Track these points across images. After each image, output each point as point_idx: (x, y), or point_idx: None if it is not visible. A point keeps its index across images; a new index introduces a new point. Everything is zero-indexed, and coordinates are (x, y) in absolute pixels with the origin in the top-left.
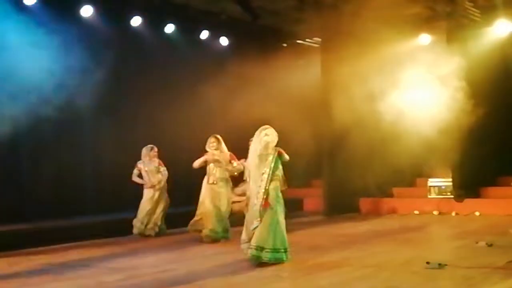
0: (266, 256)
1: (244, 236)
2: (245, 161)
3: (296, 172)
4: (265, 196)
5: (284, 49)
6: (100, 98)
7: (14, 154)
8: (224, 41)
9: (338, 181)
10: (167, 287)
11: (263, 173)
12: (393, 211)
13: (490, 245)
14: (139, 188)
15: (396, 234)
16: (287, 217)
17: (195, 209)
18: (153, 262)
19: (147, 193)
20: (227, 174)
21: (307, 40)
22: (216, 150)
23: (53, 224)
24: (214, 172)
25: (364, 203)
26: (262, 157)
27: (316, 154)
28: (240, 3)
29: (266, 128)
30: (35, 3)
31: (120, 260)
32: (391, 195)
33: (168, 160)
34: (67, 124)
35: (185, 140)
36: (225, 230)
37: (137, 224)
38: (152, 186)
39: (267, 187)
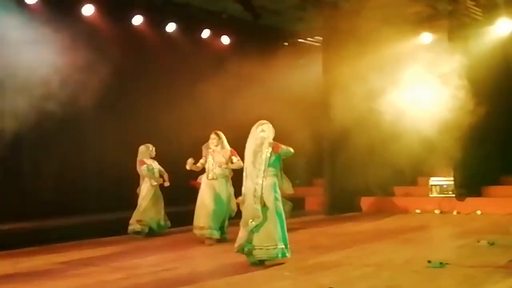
0: (267, 253)
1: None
2: None
3: (298, 171)
4: (261, 194)
5: (285, 48)
6: (102, 97)
7: (15, 153)
8: (225, 40)
9: (339, 180)
10: (168, 286)
11: (258, 170)
12: (394, 210)
13: (491, 244)
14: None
15: (397, 233)
16: (291, 215)
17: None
18: (154, 261)
19: (153, 190)
20: (227, 171)
21: (308, 39)
22: (216, 146)
23: (54, 223)
24: (213, 168)
25: (366, 202)
26: (257, 154)
27: (317, 153)
28: (241, 2)
29: (262, 124)
30: (37, 1)
31: (121, 259)
32: (392, 194)
33: (169, 158)
34: (68, 122)
35: (186, 139)
36: (222, 229)
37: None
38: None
39: (262, 184)
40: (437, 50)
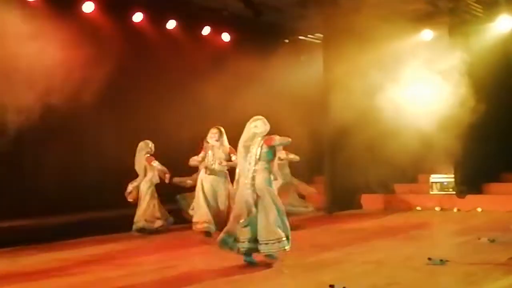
0: (272, 248)
1: (226, 228)
2: None
3: (298, 169)
4: (253, 189)
5: (286, 45)
6: (102, 94)
7: (16, 150)
8: (225, 37)
9: (340, 177)
10: (170, 283)
11: (249, 164)
12: (395, 208)
13: (492, 241)
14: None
15: (398, 230)
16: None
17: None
18: (156, 258)
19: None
20: (225, 168)
21: (309, 36)
22: (216, 141)
23: (55, 220)
24: (212, 163)
25: (366, 200)
26: (247, 148)
27: (317, 151)
28: None
29: (256, 120)
30: None
31: (122, 256)
32: (393, 192)
33: (169, 154)
34: (68, 119)
35: (185, 135)
36: (217, 225)
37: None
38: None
39: (254, 178)
40: (437, 47)
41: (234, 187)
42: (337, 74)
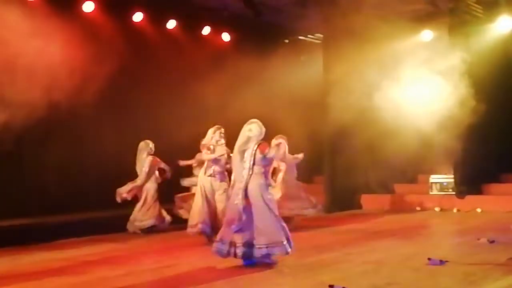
0: (267, 251)
1: (219, 235)
2: None
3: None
4: (244, 194)
5: (286, 45)
6: (102, 93)
7: (16, 152)
8: (225, 37)
9: (340, 177)
10: (169, 283)
11: (244, 169)
12: (394, 208)
13: (491, 242)
14: None
15: (397, 230)
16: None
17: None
18: (156, 258)
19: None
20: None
21: (309, 36)
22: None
23: (55, 220)
24: (211, 164)
25: (366, 200)
26: (242, 153)
27: (317, 151)
28: None
29: (251, 123)
30: None
31: (122, 256)
32: (392, 192)
33: (170, 154)
34: (68, 119)
35: (185, 135)
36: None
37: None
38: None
39: (248, 183)
40: (437, 48)
41: (230, 191)
42: (337, 74)
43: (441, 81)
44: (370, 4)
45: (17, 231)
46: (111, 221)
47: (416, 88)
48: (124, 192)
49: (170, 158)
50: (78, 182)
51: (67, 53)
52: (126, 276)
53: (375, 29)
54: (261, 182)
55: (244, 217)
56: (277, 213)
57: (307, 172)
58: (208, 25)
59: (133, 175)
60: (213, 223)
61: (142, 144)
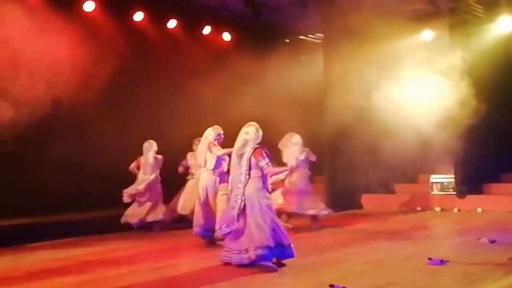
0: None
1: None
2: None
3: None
4: (243, 198)
5: (286, 45)
6: (102, 93)
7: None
8: (226, 36)
9: (340, 177)
10: (170, 283)
11: (240, 174)
12: (395, 208)
13: (492, 242)
14: None
15: (398, 230)
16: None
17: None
18: (157, 258)
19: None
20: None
21: (309, 36)
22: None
23: (55, 219)
24: (222, 161)
25: (366, 200)
26: (240, 157)
27: (318, 150)
28: None
29: (248, 125)
30: None
31: (123, 255)
32: (393, 192)
33: (172, 154)
34: (68, 119)
35: (185, 134)
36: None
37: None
38: None
39: (243, 187)
40: (438, 48)
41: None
42: (338, 74)
43: (441, 81)
44: (370, 3)
45: (17, 230)
46: (112, 220)
47: (417, 87)
48: (131, 191)
49: (170, 157)
50: (79, 181)
51: (67, 53)
52: (127, 275)
53: (376, 28)
54: (258, 186)
55: (237, 223)
56: (275, 217)
57: None
58: (209, 25)
59: (133, 175)
60: (212, 225)
61: (146, 144)
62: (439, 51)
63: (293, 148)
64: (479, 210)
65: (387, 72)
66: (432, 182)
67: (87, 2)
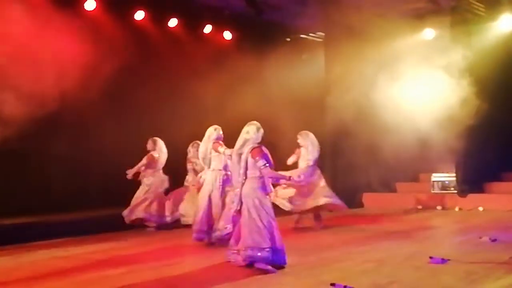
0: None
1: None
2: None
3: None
4: (240, 198)
5: (287, 44)
6: (103, 91)
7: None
8: (227, 35)
9: (341, 176)
10: (170, 282)
11: (238, 174)
12: (396, 207)
13: (493, 240)
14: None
15: (399, 229)
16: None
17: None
18: (157, 257)
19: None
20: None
21: (310, 34)
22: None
23: (56, 218)
24: (227, 160)
25: (367, 199)
26: (239, 155)
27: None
28: None
29: (249, 125)
30: None
31: (123, 254)
32: (394, 190)
33: (174, 153)
34: (69, 118)
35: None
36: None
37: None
38: None
39: (241, 187)
40: (439, 46)
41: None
42: (339, 73)
43: (442, 80)
44: (371, 2)
45: (18, 229)
46: (113, 219)
47: (418, 86)
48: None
49: (170, 156)
50: (80, 180)
51: (68, 52)
52: (127, 274)
53: (377, 27)
54: (254, 187)
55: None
56: (271, 219)
57: None
58: (210, 24)
59: (135, 175)
60: (211, 226)
61: (150, 142)
62: (440, 49)
63: (310, 148)
64: (480, 208)
65: (389, 71)
66: (433, 181)
67: (88, 1)
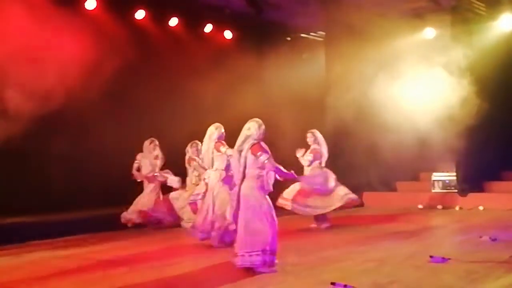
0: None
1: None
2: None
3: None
4: (237, 198)
5: (288, 43)
6: (103, 91)
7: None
8: (228, 34)
9: (342, 175)
10: (171, 282)
11: (238, 172)
12: (396, 206)
13: (494, 240)
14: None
15: (399, 228)
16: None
17: None
18: (158, 257)
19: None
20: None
21: (311, 34)
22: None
23: (57, 217)
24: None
25: (368, 198)
26: (239, 153)
27: None
28: None
29: (251, 121)
30: None
31: (124, 254)
32: (394, 190)
33: (171, 152)
34: (69, 117)
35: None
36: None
37: None
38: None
39: (239, 186)
40: (440, 45)
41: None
42: (339, 72)
43: (443, 79)
44: (372, 1)
45: (18, 229)
46: (114, 219)
47: (418, 86)
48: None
49: (170, 156)
50: (80, 180)
51: (68, 51)
52: (128, 274)
53: (377, 26)
54: (252, 186)
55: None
56: (271, 219)
57: None
58: (210, 23)
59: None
60: (212, 226)
61: (146, 142)
62: (440, 49)
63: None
64: (481, 208)
65: (389, 70)
66: (434, 180)
67: (88, 0)
